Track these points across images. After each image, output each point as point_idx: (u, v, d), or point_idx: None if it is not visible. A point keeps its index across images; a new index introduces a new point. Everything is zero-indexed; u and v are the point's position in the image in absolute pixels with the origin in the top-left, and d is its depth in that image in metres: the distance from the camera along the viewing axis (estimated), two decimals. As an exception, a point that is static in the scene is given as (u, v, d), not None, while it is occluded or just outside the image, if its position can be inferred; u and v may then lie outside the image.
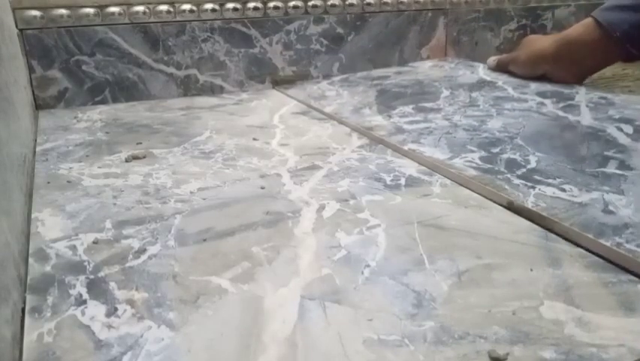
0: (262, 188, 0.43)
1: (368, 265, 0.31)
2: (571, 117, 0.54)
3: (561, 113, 0.56)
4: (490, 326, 0.26)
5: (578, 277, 0.30)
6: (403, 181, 0.44)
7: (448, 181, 0.44)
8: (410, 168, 0.47)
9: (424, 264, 0.32)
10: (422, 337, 0.25)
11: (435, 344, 0.25)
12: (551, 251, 0.33)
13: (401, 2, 0.86)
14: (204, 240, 0.35)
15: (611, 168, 0.41)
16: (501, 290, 0.29)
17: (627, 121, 0.51)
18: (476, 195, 0.41)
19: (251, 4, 0.75)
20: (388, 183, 0.43)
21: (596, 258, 0.32)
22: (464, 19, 0.94)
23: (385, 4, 0.85)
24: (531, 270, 0.31)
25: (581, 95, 0.63)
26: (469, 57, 0.95)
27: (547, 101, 0.60)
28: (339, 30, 0.82)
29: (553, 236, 0.35)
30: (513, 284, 0.30)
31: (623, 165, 0.42)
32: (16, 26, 0.63)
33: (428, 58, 0.91)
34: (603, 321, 0.26)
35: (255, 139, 0.55)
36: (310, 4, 0.79)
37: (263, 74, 0.79)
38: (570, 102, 0.59)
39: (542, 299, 0.28)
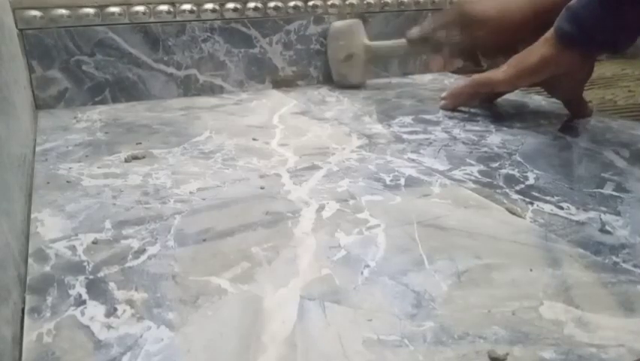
0: (262, 188, 0.43)
1: (368, 266, 0.31)
2: (569, 138, 0.55)
3: (559, 134, 0.57)
4: (489, 326, 0.26)
5: (577, 278, 0.30)
6: (402, 181, 0.44)
7: (447, 181, 0.44)
8: (410, 168, 0.47)
9: (424, 264, 0.32)
10: (422, 337, 0.25)
11: (434, 345, 0.25)
12: (551, 251, 0.33)
13: (401, 2, 0.86)
14: (204, 240, 0.35)
15: (608, 190, 0.42)
16: (501, 290, 0.29)
17: (624, 145, 0.52)
18: (476, 195, 0.41)
19: (251, 4, 0.75)
20: (388, 183, 0.44)
21: (596, 258, 0.32)
22: (464, 19, 0.93)
23: (385, 4, 0.85)
24: (531, 270, 0.31)
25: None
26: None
27: (544, 122, 0.61)
28: (339, 30, 0.82)
29: (553, 236, 0.35)
30: (513, 284, 0.30)
31: (619, 187, 0.43)
32: (16, 26, 0.63)
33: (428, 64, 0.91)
34: (603, 321, 0.26)
35: (254, 139, 0.55)
36: (310, 4, 0.79)
37: (263, 74, 0.79)
38: (568, 124, 0.60)
39: (542, 299, 0.28)
